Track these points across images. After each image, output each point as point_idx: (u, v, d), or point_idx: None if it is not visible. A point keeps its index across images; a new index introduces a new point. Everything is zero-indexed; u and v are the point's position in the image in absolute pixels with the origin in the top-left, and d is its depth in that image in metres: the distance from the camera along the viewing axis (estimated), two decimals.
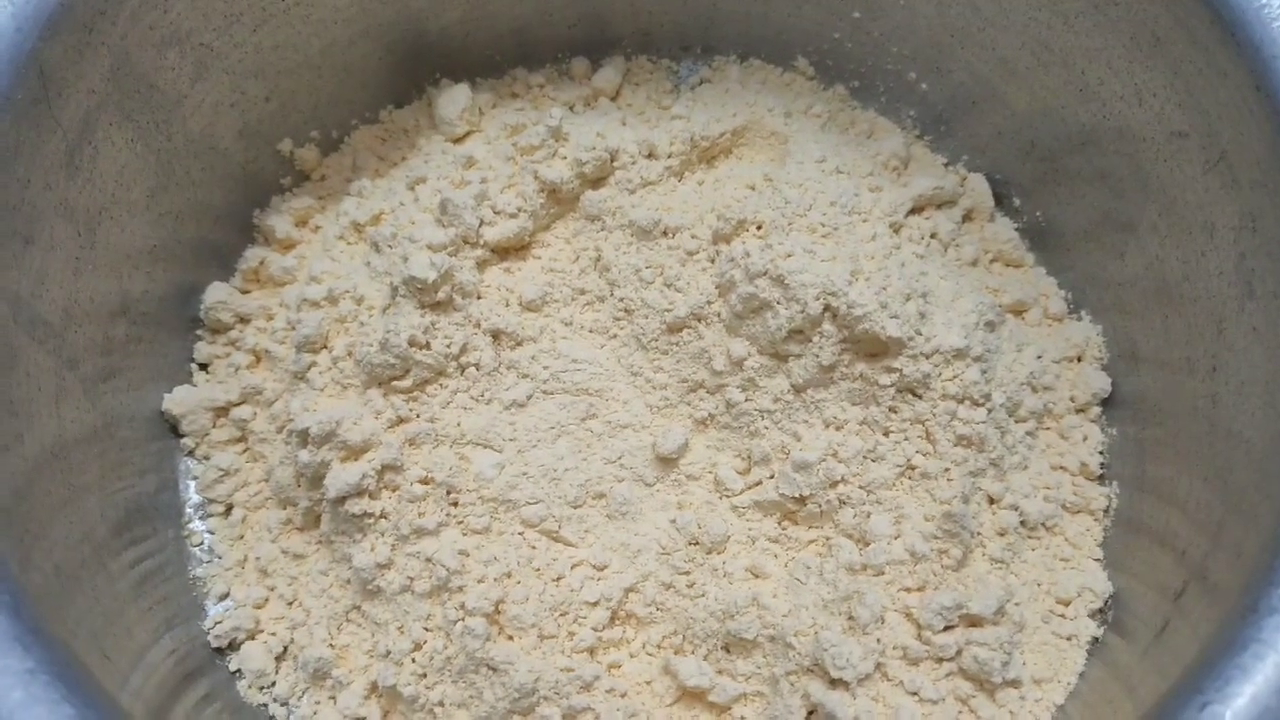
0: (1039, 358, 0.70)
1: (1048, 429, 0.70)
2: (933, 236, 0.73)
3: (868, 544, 0.63)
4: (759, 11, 0.78)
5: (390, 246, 0.68)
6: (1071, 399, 0.70)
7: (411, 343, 0.64)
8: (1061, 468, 0.69)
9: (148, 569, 0.65)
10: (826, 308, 0.64)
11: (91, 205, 0.59)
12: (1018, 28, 0.68)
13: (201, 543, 0.69)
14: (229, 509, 0.69)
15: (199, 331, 0.72)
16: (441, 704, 0.62)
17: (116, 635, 0.57)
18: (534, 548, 0.65)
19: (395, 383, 0.65)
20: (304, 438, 0.63)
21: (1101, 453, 0.69)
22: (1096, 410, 0.70)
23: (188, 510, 0.69)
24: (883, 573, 0.62)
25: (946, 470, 0.64)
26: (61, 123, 0.56)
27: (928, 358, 0.64)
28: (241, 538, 0.68)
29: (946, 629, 0.60)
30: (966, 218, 0.76)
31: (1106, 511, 0.67)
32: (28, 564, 0.50)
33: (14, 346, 0.53)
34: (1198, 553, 0.56)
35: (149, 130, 0.63)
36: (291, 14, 0.68)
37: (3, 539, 0.46)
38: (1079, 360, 0.71)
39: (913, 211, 0.74)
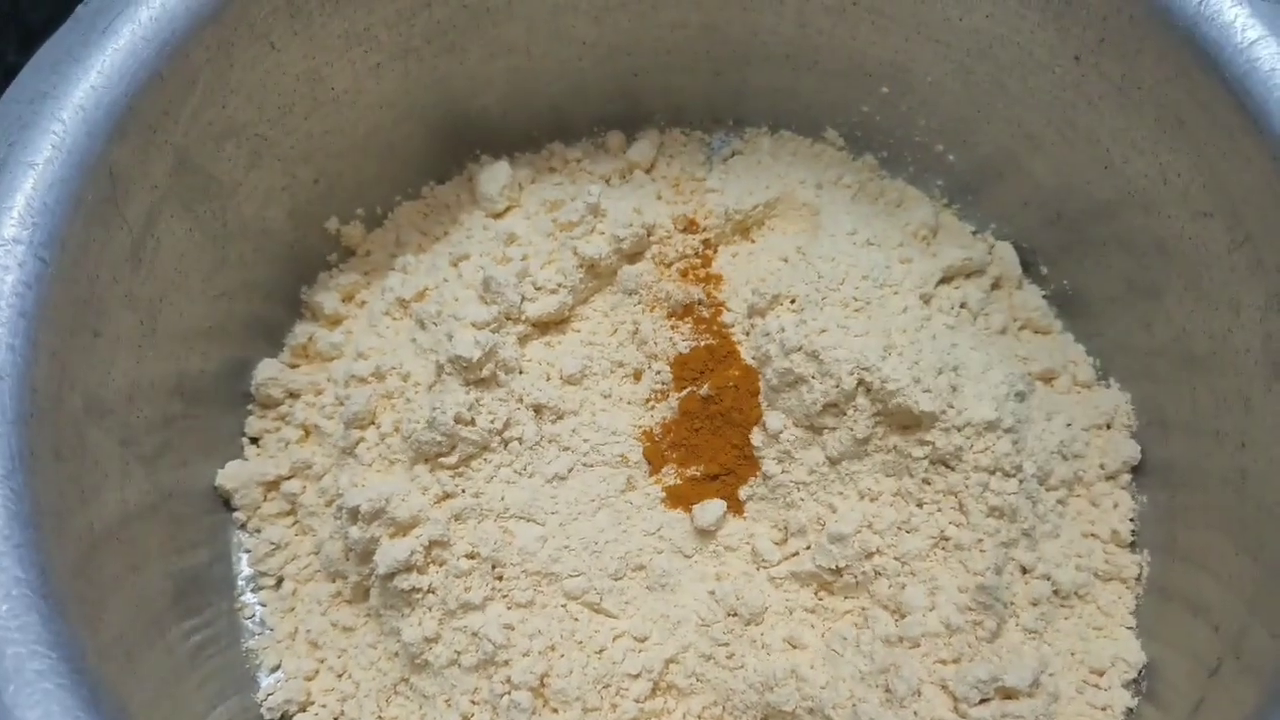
0: (1069, 425, 0.71)
1: (1078, 496, 0.71)
2: (962, 306, 0.75)
3: (903, 615, 0.64)
4: (788, 86, 0.80)
5: (435, 324, 0.70)
6: (1101, 466, 0.71)
7: (457, 420, 0.66)
8: (1093, 535, 0.70)
9: (202, 640, 0.66)
10: (860, 382, 0.66)
11: (153, 294, 0.62)
12: (1043, 106, 0.69)
13: (253, 615, 0.70)
14: (280, 581, 0.71)
15: (250, 406, 0.74)
16: None
17: (175, 707, 0.59)
18: (576, 620, 0.66)
19: (441, 459, 0.67)
20: (354, 514, 0.65)
21: (1132, 520, 0.70)
22: (1126, 477, 0.71)
23: (239, 583, 0.71)
24: (918, 645, 0.63)
25: (979, 541, 0.65)
26: (128, 219, 0.58)
27: (959, 430, 0.66)
28: (292, 610, 0.70)
29: (982, 701, 0.61)
30: (994, 286, 0.78)
31: (1138, 579, 0.68)
32: (99, 647, 0.52)
33: (85, 438, 0.55)
34: (1233, 627, 0.57)
35: (206, 219, 0.65)
36: (340, 101, 0.71)
37: (77, 626, 0.48)
38: (1108, 427, 0.73)
39: (942, 281, 0.76)
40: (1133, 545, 0.70)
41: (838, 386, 0.66)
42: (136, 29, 0.58)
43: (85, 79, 0.56)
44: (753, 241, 0.78)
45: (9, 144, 0.54)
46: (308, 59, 0.67)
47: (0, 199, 0.53)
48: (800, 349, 0.67)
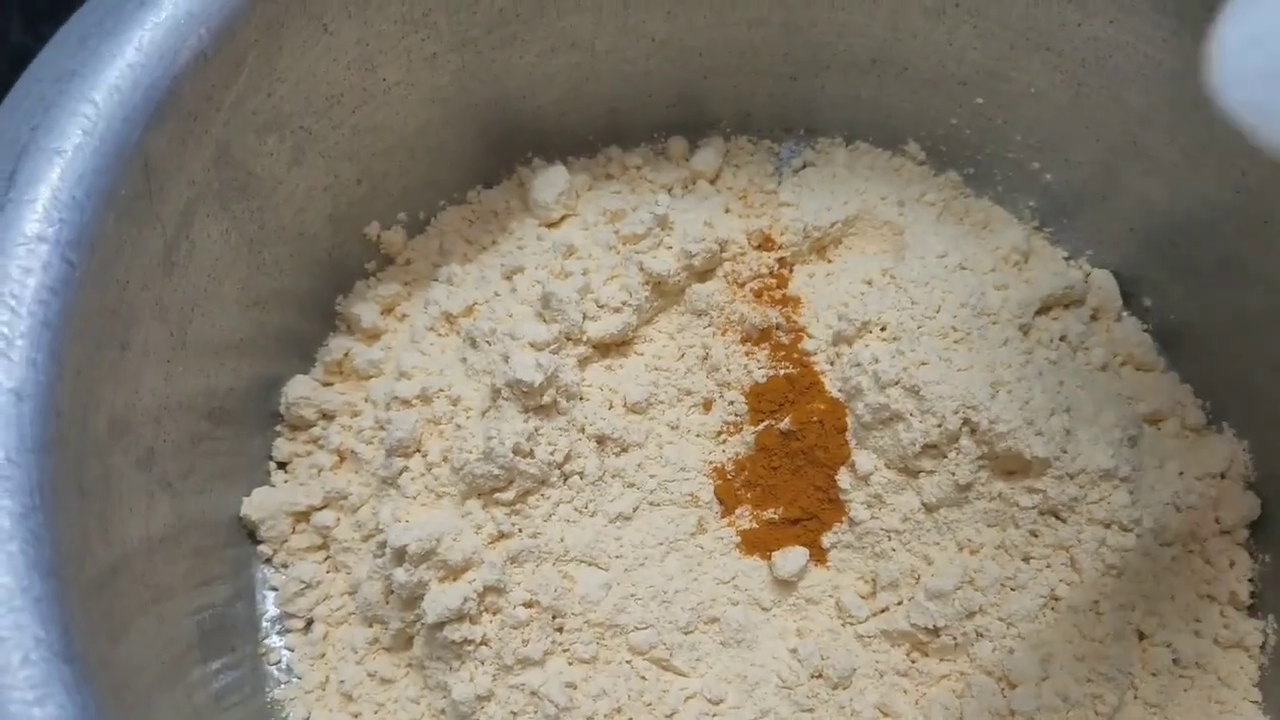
0: (1181, 474, 0.65)
1: (1191, 552, 0.65)
2: (1062, 339, 0.68)
3: (1012, 684, 0.58)
4: (869, 95, 0.74)
5: (489, 343, 0.64)
6: (1217, 520, 0.65)
7: (516, 451, 0.60)
8: (1209, 597, 0.63)
9: (222, 688, 0.60)
10: (966, 422, 0.60)
11: (184, 302, 0.55)
12: (1167, 123, 0.63)
13: (279, 661, 0.63)
14: (309, 624, 0.64)
15: (278, 427, 0.67)
16: None
17: None
18: (644, 678, 0.60)
19: (497, 494, 0.60)
20: (400, 555, 0.58)
21: (1251, 580, 0.64)
22: (1244, 533, 0.65)
23: (264, 624, 0.64)
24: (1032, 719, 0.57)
25: (1096, 603, 0.59)
26: (161, 218, 0.51)
27: (1073, 478, 0.60)
28: (323, 656, 0.63)
29: None
30: (1093, 317, 0.71)
31: (1263, 648, 0.62)
32: (116, 699, 0.45)
33: (109, 466, 0.48)
34: None
35: (243, 220, 0.59)
36: (391, 94, 0.64)
37: (104, 692, 0.41)
38: (1222, 478, 0.66)
39: (1039, 311, 0.69)
40: (1251, 609, 0.63)
41: (940, 426, 0.59)
42: (179, 2, 0.51)
43: (121, 56, 0.49)
44: (830, 261, 0.72)
45: (31, 128, 0.47)
46: (361, 45, 0.60)
47: (22, 190, 0.45)
48: (897, 383, 0.61)
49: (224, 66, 0.53)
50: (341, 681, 0.62)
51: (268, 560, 0.65)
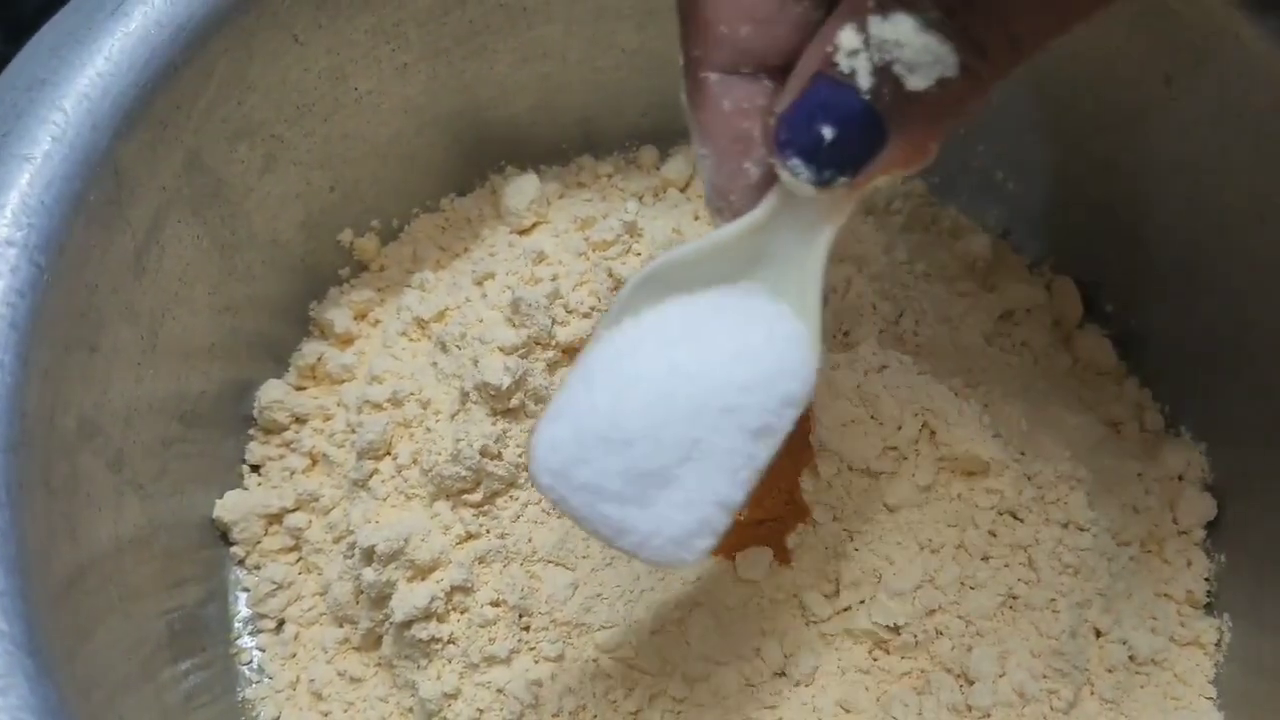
0: (1139, 476, 0.66)
1: (1149, 552, 0.66)
2: (1024, 345, 0.70)
3: (970, 681, 0.59)
4: None
5: (459, 347, 0.65)
6: (1174, 521, 0.66)
7: (484, 453, 0.60)
8: (1166, 595, 0.65)
9: (193, 688, 0.60)
10: (925, 425, 0.61)
11: (155, 307, 0.56)
12: (1124, 132, 0.65)
13: (250, 661, 0.64)
14: (281, 625, 0.65)
15: (251, 431, 0.68)
16: None
17: None
18: (610, 677, 0.60)
19: (465, 496, 0.61)
20: (369, 555, 0.59)
21: (1208, 580, 0.65)
22: (1200, 534, 0.66)
23: (235, 625, 0.65)
24: (989, 715, 0.58)
25: (1052, 601, 0.60)
26: (131, 223, 0.52)
27: (1030, 479, 0.61)
28: (294, 656, 0.64)
29: None
30: (1055, 324, 0.73)
31: (1218, 646, 0.63)
32: (83, 697, 0.46)
33: (77, 466, 0.49)
34: None
35: (215, 226, 0.60)
36: (363, 103, 0.65)
37: (67, 688, 0.42)
38: (1180, 479, 0.68)
39: (1002, 317, 0.71)
40: (1208, 607, 0.65)
41: (900, 429, 0.61)
42: (149, 12, 0.52)
43: (91, 65, 0.50)
44: None
45: (2, 134, 0.48)
46: (332, 55, 0.62)
47: None
48: (858, 388, 0.62)
49: (194, 75, 0.54)
50: (312, 680, 0.63)
51: (240, 562, 0.66)
